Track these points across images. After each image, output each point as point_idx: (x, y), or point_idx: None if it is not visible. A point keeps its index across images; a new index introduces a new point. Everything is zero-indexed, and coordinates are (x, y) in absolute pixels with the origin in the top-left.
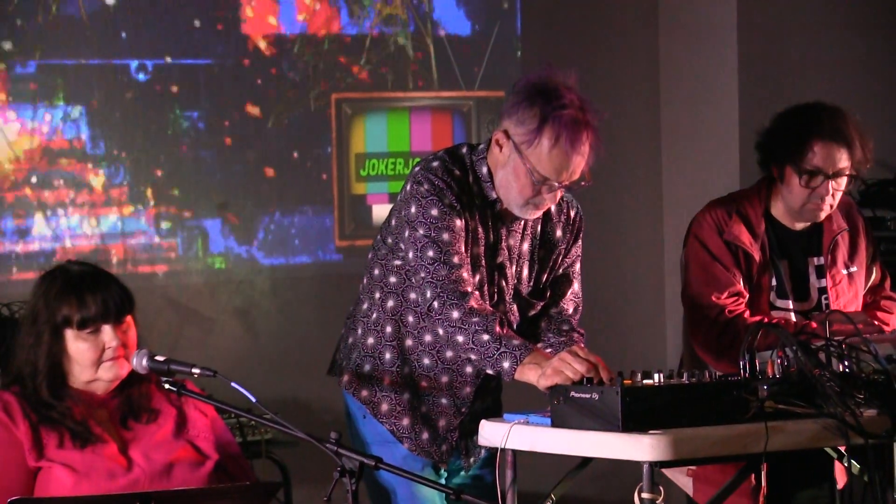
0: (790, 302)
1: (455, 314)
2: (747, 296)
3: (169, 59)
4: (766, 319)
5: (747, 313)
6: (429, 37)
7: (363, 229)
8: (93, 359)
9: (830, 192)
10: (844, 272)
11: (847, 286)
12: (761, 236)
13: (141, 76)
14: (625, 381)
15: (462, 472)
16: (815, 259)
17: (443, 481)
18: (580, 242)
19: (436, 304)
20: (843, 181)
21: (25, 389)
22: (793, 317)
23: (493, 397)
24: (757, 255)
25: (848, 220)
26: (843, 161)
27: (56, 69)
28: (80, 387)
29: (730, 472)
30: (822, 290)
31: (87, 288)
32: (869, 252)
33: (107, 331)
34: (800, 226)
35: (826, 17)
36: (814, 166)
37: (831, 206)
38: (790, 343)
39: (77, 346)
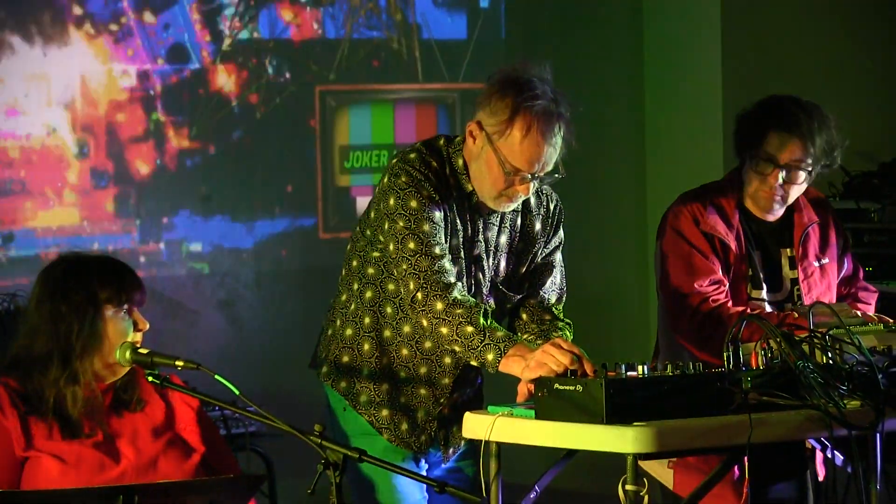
0: (764, 292)
1: (439, 305)
2: (727, 283)
3: (152, 64)
4: (748, 310)
5: (730, 303)
6: (413, 36)
7: (347, 222)
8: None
9: (780, 181)
10: (816, 264)
11: (819, 278)
12: (736, 227)
13: (125, 81)
14: (608, 373)
15: (442, 465)
16: (788, 251)
17: (423, 474)
18: (561, 232)
19: (419, 295)
20: (800, 175)
21: (29, 373)
22: (767, 307)
23: (473, 388)
24: (733, 245)
25: (818, 213)
26: (797, 153)
27: (40, 74)
28: (99, 369)
29: (712, 461)
30: (795, 282)
31: (125, 269)
32: (839, 244)
33: (138, 313)
34: (771, 218)
35: (810, 10)
36: (765, 154)
37: (783, 199)
38: (774, 335)
39: (116, 324)
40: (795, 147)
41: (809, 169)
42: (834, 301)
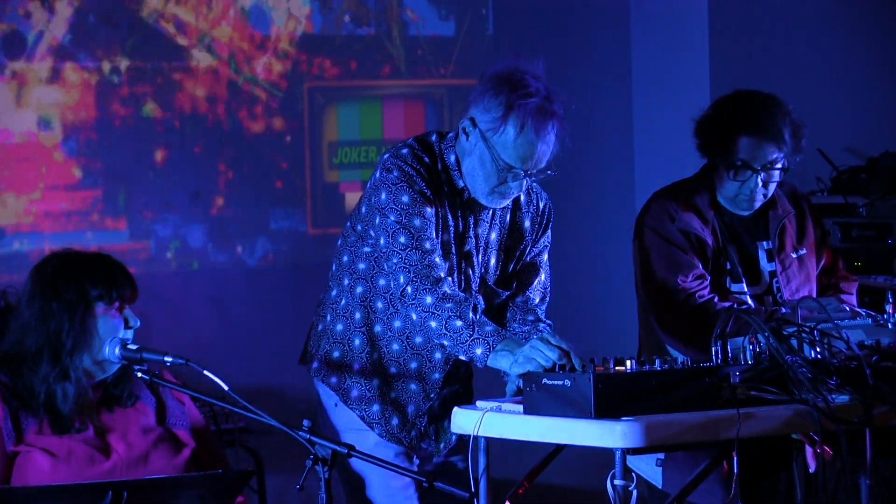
0: (744, 285)
1: (428, 299)
2: (709, 278)
3: (141, 61)
4: (734, 305)
5: (716, 298)
6: (401, 32)
7: (336, 218)
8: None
9: (760, 184)
10: (794, 255)
11: (797, 269)
12: (711, 222)
13: (115, 78)
14: (597, 368)
15: (433, 459)
16: (764, 243)
17: (415, 468)
18: (549, 233)
19: (409, 289)
20: (776, 173)
21: (20, 369)
22: (749, 300)
23: (463, 383)
24: (710, 241)
25: (793, 204)
26: (772, 154)
27: (29, 72)
28: (90, 366)
29: (700, 458)
30: (773, 274)
31: (117, 267)
32: (817, 234)
33: (128, 310)
34: (747, 212)
35: (797, 7)
36: (741, 160)
37: (765, 196)
38: (762, 329)
39: (107, 321)
40: (770, 149)
41: (786, 163)
42: (815, 292)
